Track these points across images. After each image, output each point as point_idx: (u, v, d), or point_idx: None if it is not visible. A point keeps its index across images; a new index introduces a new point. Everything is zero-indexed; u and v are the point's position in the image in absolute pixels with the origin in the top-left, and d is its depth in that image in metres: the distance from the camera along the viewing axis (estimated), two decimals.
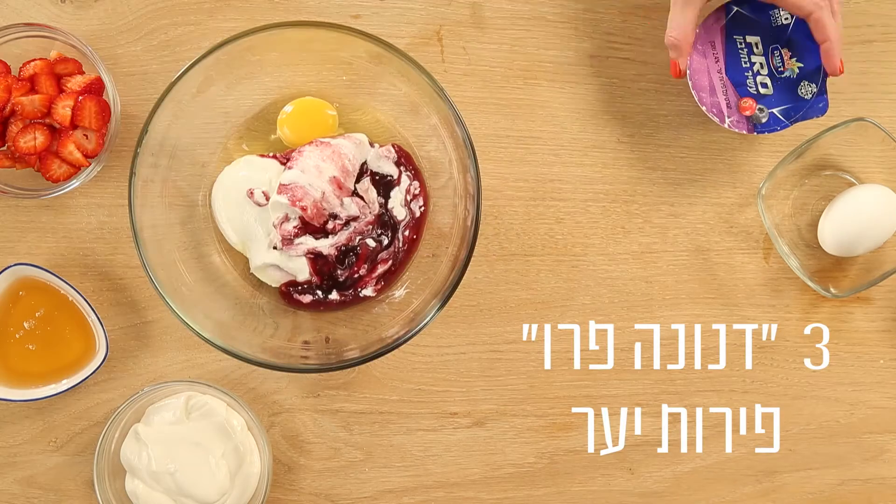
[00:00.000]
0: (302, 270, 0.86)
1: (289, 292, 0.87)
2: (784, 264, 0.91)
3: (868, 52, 0.92)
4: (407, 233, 0.87)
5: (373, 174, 0.87)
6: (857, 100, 0.91)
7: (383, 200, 0.87)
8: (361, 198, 0.87)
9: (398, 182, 0.87)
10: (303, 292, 0.87)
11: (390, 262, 0.87)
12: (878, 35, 0.92)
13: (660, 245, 0.91)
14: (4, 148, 0.85)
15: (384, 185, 0.87)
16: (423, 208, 0.87)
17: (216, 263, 0.87)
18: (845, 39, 0.92)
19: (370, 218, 0.87)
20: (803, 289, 0.91)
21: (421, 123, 0.87)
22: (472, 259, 0.81)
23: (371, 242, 0.86)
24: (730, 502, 0.91)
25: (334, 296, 0.87)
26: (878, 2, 0.91)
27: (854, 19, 0.91)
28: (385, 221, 0.87)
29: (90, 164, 0.85)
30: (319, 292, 0.87)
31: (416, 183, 0.87)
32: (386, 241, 0.87)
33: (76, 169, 0.85)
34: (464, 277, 0.81)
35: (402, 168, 0.87)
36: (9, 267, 0.84)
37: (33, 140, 0.83)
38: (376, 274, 0.87)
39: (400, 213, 0.87)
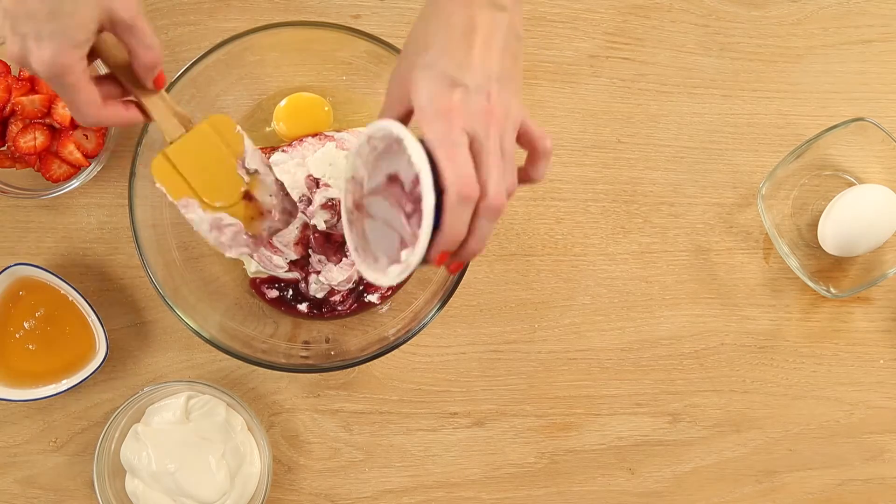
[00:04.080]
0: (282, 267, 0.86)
1: (257, 283, 0.87)
2: (784, 264, 0.91)
3: (868, 52, 0.92)
4: None
5: None
6: (857, 100, 0.91)
7: None
8: None
9: None
10: (270, 287, 0.86)
11: None
12: (878, 35, 0.92)
13: (660, 245, 0.91)
14: (4, 148, 0.85)
15: None
16: None
17: (216, 263, 0.87)
18: (846, 39, 0.92)
19: None
20: (803, 289, 0.91)
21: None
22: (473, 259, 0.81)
23: None
24: (730, 502, 0.91)
25: (303, 307, 0.87)
26: (878, 2, 0.92)
27: (854, 19, 0.91)
28: None
29: (90, 164, 0.85)
30: (289, 291, 0.86)
31: None
32: None
33: (76, 169, 0.85)
34: (464, 277, 0.81)
35: None
36: (9, 267, 0.84)
37: (33, 140, 0.83)
38: None
39: None
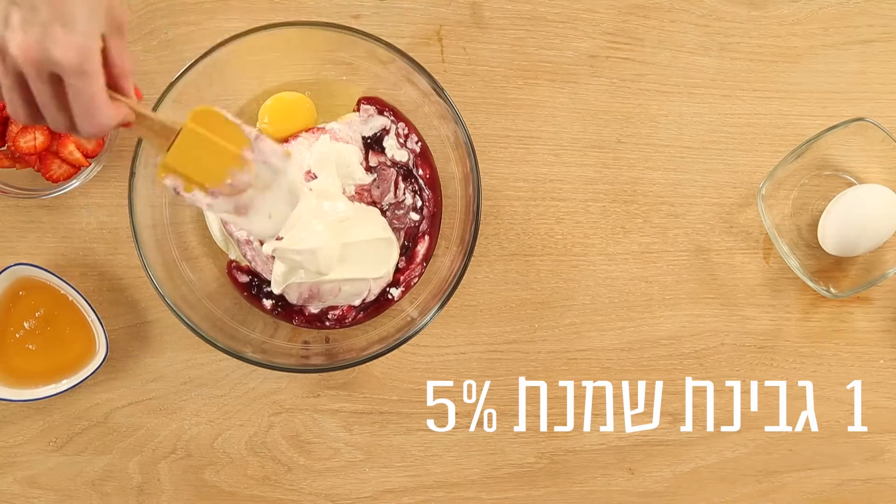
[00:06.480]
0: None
1: (231, 270, 0.87)
2: (784, 264, 0.91)
3: (868, 52, 0.92)
4: (420, 171, 0.86)
5: (365, 140, 0.87)
6: (857, 100, 0.91)
7: (385, 157, 0.87)
8: (380, 165, 0.86)
9: (387, 130, 0.87)
10: (242, 273, 0.87)
11: (427, 238, 0.87)
12: (878, 35, 0.92)
13: (660, 245, 0.91)
14: (4, 148, 0.85)
15: (376, 141, 0.87)
16: (419, 143, 0.87)
17: (216, 264, 0.87)
18: (846, 39, 0.92)
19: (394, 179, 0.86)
20: (803, 289, 0.91)
21: (421, 123, 0.87)
22: (472, 259, 0.81)
23: (410, 213, 0.86)
24: (730, 502, 0.91)
25: (267, 303, 0.86)
26: (877, 2, 0.92)
27: (854, 19, 0.91)
28: (406, 173, 0.87)
29: (90, 164, 0.85)
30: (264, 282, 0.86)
31: (401, 124, 0.87)
32: (418, 201, 0.87)
33: (76, 169, 0.85)
34: (464, 277, 0.81)
35: (384, 115, 0.86)
36: (9, 267, 0.84)
37: (33, 140, 0.83)
38: (417, 261, 0.86)
39: (401, 155, 0.87)
